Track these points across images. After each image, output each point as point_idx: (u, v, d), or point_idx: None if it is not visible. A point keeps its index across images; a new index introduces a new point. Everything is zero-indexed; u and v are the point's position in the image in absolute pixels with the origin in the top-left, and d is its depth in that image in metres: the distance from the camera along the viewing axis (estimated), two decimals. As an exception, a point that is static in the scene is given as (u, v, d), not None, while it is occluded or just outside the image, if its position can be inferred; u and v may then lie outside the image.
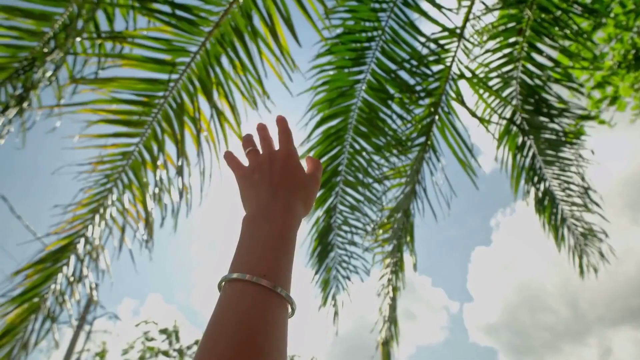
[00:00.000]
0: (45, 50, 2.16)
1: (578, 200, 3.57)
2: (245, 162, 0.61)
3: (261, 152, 0.59)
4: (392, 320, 3.17)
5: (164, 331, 4.75)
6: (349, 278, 3.28)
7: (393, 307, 3.18)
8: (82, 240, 2.30)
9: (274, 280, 0.41)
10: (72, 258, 2.35)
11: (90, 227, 2.30)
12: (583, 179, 3.45)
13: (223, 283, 0.42)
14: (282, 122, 0.61)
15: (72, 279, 2.32)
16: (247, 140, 0.62)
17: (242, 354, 0.35)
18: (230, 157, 0.62)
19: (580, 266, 3.81)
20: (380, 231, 3.23)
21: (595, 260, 3.78)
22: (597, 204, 3.50)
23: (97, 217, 2.27)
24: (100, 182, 2.24)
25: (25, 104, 2.25)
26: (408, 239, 3.15)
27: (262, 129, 0.63)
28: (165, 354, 4.59)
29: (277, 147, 0.60)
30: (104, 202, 2.27)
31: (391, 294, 3.18)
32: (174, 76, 2.07)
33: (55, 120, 2.13)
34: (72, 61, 2.47)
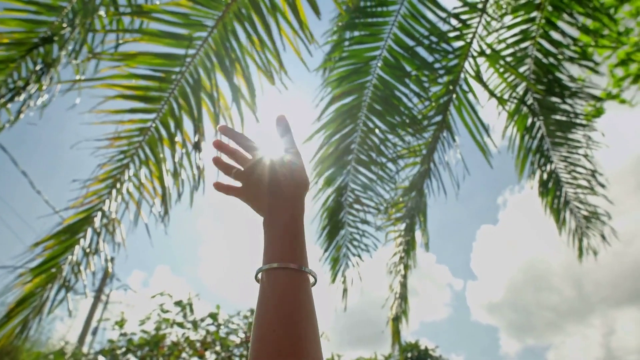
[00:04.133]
0: (64, 25, 2.13)
1: (584, 183, 3.54)
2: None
3: (243, 170, 0.68)
4: (403, 297, 3.21)
5: (178, 303, 4.87)
6: (359, 256, 3.30)
7: (404, 285, 3.21)
8: (99, 214, 2.33)
9: (298, 262, 0.53)
10: (89, 231, 2.40)
11: (107, 201, 2.32)
12: (590, 161, 3.40)
13: (259, 275, 0.54)
14: (230, 132, 0.69)
15: (88, 250, 2.37)
16: (226, 166, 0.70)
17: (288, 324, 0.46)
18: (228, 188, 0.70)
19: (580, 249, 3.81)
20: (393, 210, 3.23)
21: (596, 243, 3.78)
22: (602, 186, 3.47)
23: (114, 192, 2.29)
24: (117, 158, 2.25)
25: (45, 80, 2.24)
26: (421, 217, 3.15)
27: (220, 146, 0.70)
28: (180, 325, 4.73)
29: (243, 151, 0.69)
30: (120, 177, 2.29)
31: (402, 272, 3.21)
32: (191, 51, 2.04)
33: (75, 96, 2.12)
34: (90, 37, 2.44)
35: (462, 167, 3.04)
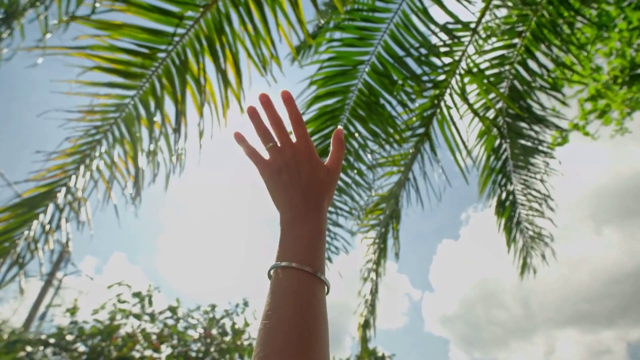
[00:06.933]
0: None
1: (536, 205, 3.71)
2: (254, 142, 0.64)
3: (280, 146, 0.61)
4: (373, 304, 3.22)
5: (137, 295, 4.66)
6: (329, 259, 3.29)
7: (375, 292, 3.22)
8: (64, 189, 2.20)
9: (315, 267, 0.52)
10: (51, 207, 2.26)
11: (73, 177, 2.20)
12: (545, 186, 3.59)
13: (272, 271, 0.52)
14: (291, 105, 0.61)
15: (48, 227, 2.23)
16: (266, 132, 0.62)
17: (297, 325, 0.45)
18: (250, 150, 0.63)
19: (524, 266, 3.98)
20: (369, 216, 3.24)
21: (537, 262, 3.97)
22: (552, 210, 3.66)
23: (82, 168, 2.17)
24: (89, 133, 2.14)
25: (4, 31, 2.10)
26: (395, 226, 3.17)
27: (268, 105, 0.62)
28: (137, 317, 4.52)
29: (292, 135, 0.63)
30: (91, 153, 2.17)
31: (374, 279, 3.22)
32: (180, 30, 1.97)
33: (41, 56, 1.99)
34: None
35: (437, 179, 3.10)
